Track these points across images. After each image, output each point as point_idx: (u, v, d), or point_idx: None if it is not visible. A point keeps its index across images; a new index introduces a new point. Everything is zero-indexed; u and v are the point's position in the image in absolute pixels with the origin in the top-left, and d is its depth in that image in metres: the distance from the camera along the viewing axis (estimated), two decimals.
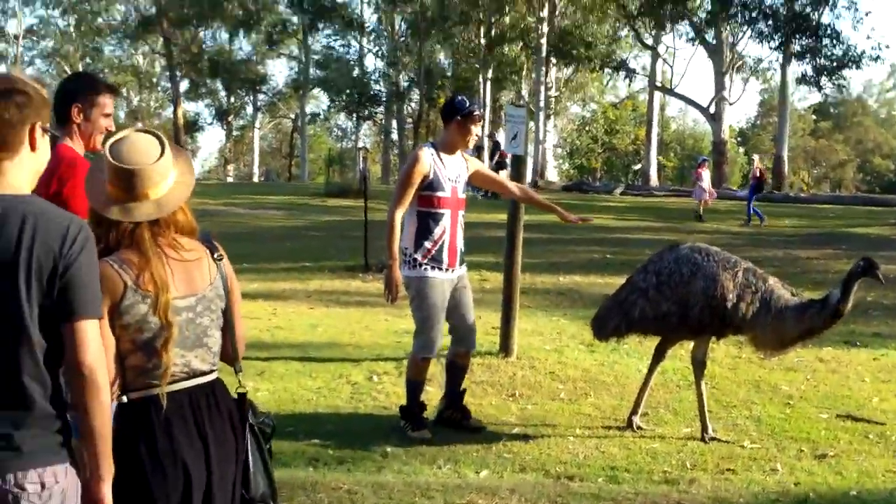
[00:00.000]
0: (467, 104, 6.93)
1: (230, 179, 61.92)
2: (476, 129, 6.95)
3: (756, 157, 29.83)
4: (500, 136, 30.40)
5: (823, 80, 40.10)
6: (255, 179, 59.42)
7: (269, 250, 17.71)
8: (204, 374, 3.21)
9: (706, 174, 26.18)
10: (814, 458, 6.72)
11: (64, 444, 2.78)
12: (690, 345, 7.52)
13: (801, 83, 42.12)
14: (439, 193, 6.83)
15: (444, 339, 7.13)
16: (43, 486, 2.69)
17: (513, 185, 7.64)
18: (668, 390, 8.30)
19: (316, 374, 8.61)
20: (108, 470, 2.83)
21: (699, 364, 7.20)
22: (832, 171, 74.29)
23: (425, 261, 6.83)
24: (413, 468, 6.35)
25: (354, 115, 41.11)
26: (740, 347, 9.22)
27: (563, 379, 8.56)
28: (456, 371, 7.35)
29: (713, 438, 7.06)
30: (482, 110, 7.16)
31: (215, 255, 3.27)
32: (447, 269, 6.90)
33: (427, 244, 6.83)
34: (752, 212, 24.48)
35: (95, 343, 2.73)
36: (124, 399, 3.00)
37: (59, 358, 2.73)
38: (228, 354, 3.35)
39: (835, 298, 6.66)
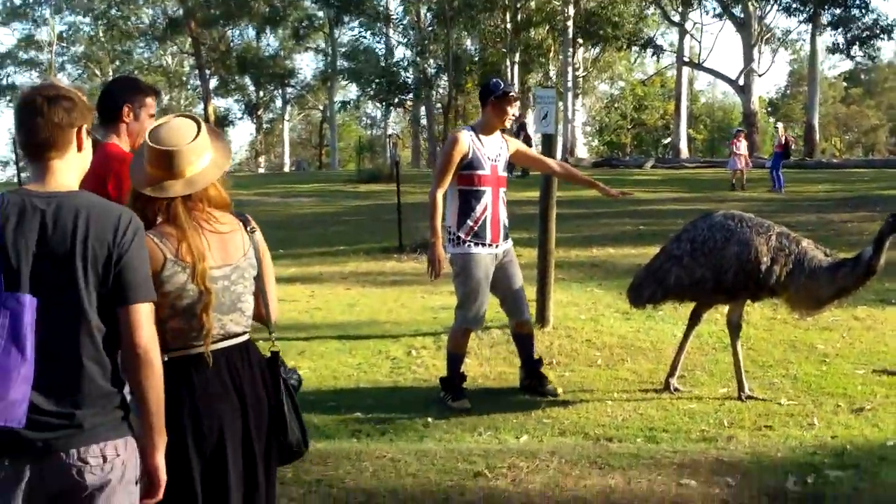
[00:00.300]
0: (501, 85, 7.13)
1: (261, 171, 62.24)
2: (511, 110, 7.14)
3: (780, 125, 29.72)
4: (529, 118, 30.46)
5: (854, 49, 39.74)
6: (286, 169, 59.65)
7: (303, 236, 17.88)
8: (238, 335, 3.44)
9: (742, 145, 26.08)
10: (850, 413, 6.78)
11: (124, 419, 2.97)
12: (725, 308, 7.58)
13: (833, 52, 41.74)
14: (479, 172, 6.99)
15: (486, 312, 7.28)
16: (105, 458, 2.88)
17: (553, 163, 7.74)
18: (704, 353, 8.37)
19: (355, 351, 8.75)
20: (161, 440, 3.03)
21: (735, 326, 7.28)
22: (864, 136, 73.63)
23: (469, 237, 7.00)
24: (454, 436, 6.47)
25: (384, 103, 41.17)
26: (775, 309, 9.26)
27: (600, 346, 8.66)
28: (521, 340, 7.51)
29: (750, 397, 7.14)
30: (516, 91, 7.29)
31: (248, 228, 3.50)
32: (490, 245, 7.05)
33: (469, 221, 6.99)
34: (778, 177, 24.46)
35: (149, 325, 2.93)
36: (165, 358, 3.14)
37: (116, 340, 2.91)
38: (262, 316, 3.62)
39: (867, 255, 6.70)
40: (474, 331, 7.54)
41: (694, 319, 7.49)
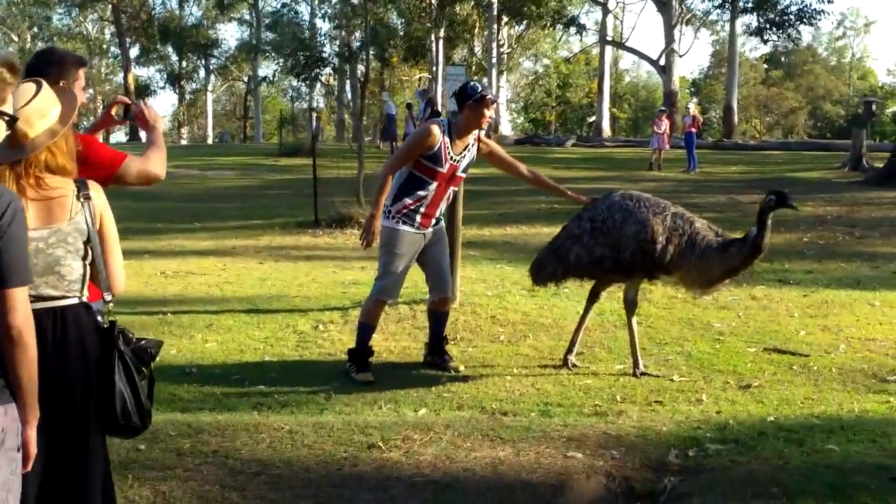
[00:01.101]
0: (479, 89, 7.23)
1: (184, 142, 61.56)
2: (489, 112, 7.25)
3: (691, 105, 30.22)
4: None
5: (769, 33, 40.39)
6: (210, 142, 59.09)
7: (220, 210, 17.87)
8: (53, 298, 3.42)
9: (664, 124, 26.45)
10: (738, 389, 7.04)
11: (5, 387, 3.01)
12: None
13: (749, 35, 42.41)
14: (436, 168, 7.15)
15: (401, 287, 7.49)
16: None
17: (524, 169, 7.80)
18: (605, 330, 8.59)
19: (263, 325, 8.84)
20: (33, 415, 3.10)
21: (630, 304, 7.50)
22: (784, 118, 74.90)
23: (398, 215, 7.16)
24: (354, 409, 6.60)
25: (300, 77, 40.86)
26: (676, 288, 9.51)
27: (504, 322, 8.84)
28: (436, 318, 7.71)
29: (644, 374, 7.38)
30: (493, 94, 7.42)
31: (81, 193, 3.47)
32: (418, 228, 7.21)
33: (407, 200, 7.15)
34: (692, 157, 24.95)
35: (23, 307, 2.97)
36: None
37: None
38: (97, 284, 3.59)
39: (752, 235, 6.94)
40: (388, 303, 7.72)
41: (592, 297, 7.71)
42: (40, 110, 3.38)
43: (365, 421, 6.09)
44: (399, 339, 8.38)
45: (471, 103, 7.17)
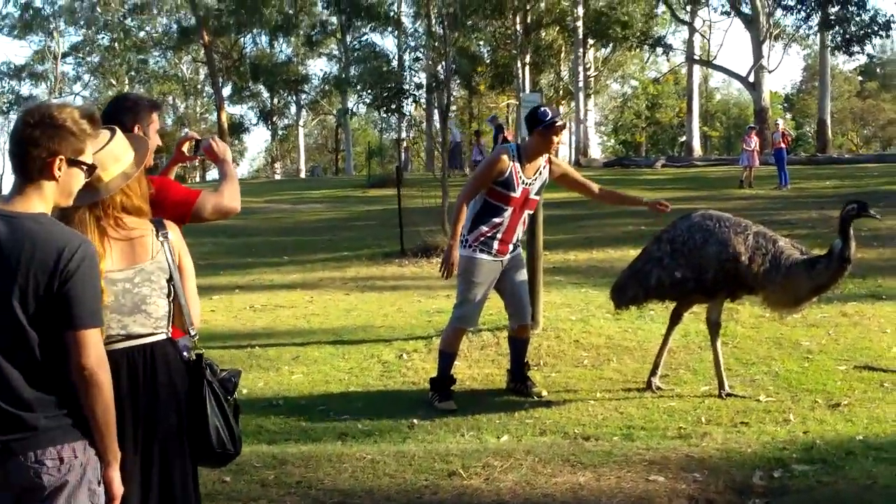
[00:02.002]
0: (549, 115, 7.26)
1: (277, 177, 62.49)
2: (557, 139, 7.30)
3: (781, 121, 29.67)
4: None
5: (854, 47, 39.52)
6: (303, 175, 59.88)
7: (309, 243, 18.08)
8: (142, 336, 3.54)
9: (753, 141, 26.03)
10: (827, 408, 6.91)
11: (77, 425, 3.10)
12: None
13: (833, 51, 41.53)
14: (510, 193, 7.20)
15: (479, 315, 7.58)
16: (62, 460, 3.04)
17: (595, 188, 7.79)
18: (689, 351, 8.50)
19: (348, 356, 8.93)
20: (112, 456, 3.18)
21: (714, 325, 7.42)
22: (881, 130, 73.21)
23: (476, 243, 7.23)
24: (437, 437, 6.64)
25: (381, 109, 41.12)
26: (764, 308, 9.37)
27: (587, 346, 8.81)
28: (516, 344, 7.73)
29: (730, 395, 7.28)
30: (562, 119, 7.47)
31: (160, 233, 3.60)
32: (495, 255, 7.26)
33: (483, 228, 7.22)
34: (784, 174, 24.51)
35: (95, 349, 3.06)
36: None
37: (62, 355, 3.05)
38: (181, 320, 3.70)
39: (838, 247, 6.86)
40: (468, 331, 7.79)
41: (675, 319, 7.65)
42: (114, 154, 3.54)
43: (446, 449, 6.13)
44: (482, 366, 8.40)
45: (540, 129, 7.20)
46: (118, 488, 3.22)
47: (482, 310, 7.51)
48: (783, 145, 25.31)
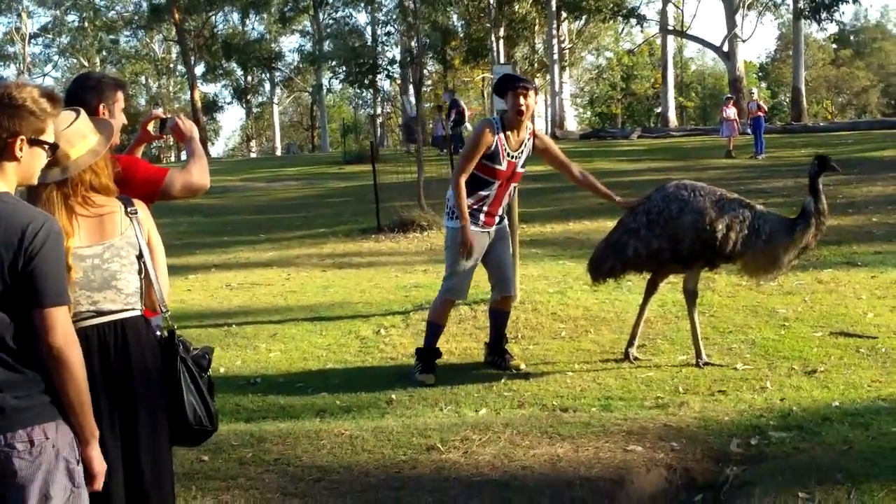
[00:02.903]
0: (511, 78, 7.33)
1: (253, 155, 62.28)
2: (525, 101, 7.22)
3: (755, 90, 29.64)
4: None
5: (822, 14, 39.48)
6: (278, 153, 59.67)
7: (285, 220, 18.04)
8: (113, 312, 3.50)
9: (732, 111, 25.96)
10: (803, 375, 6.95)
11: (52, 403, 3.06)
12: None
13: (803, 18, 41.47)
14: (496, 166, 7.22)
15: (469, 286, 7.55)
16: (32, 443, 2.98)
17: (576, 170, 7.78)
18: (666, 321, 8.52)
19: (326, 333, 8.91)
20: (90, 433, 3.14)
21: (691, 294, 7.42)
22: (855, 97, 73.41)
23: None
24: (415, 412, 6.63)
25: (355, 85, 40.84)
26: (740, 276, 9.39)
27: (565, 318, 8.81)
28: (497, 316, 7.73)
29: (707, 363, 7.30)
30: (527, 83, 7.43)
31: (128, 209, 3.58)
32: (482, 227, 7.28)
33: (469, 200, 7.22)
34: (761, 142, 24.49)
35: (62, 326, 3.01)
36: None
37: (31, 334, 3.01)
38: (151, 297, 3.67)
39: (810, 205, 6.93)
40: (456, 303, 7.79)
41: (651, 289, 7.66)
42: (81, 132, 3.50)
43: (424, 423, 6.11)
44: (460, 339, 8.39)
45: (508, 93, 7.23)
46: (99, 466, 3.18)
47: (471, 282, 7.48)
48: (760, 114, 25.27)
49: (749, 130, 26.11)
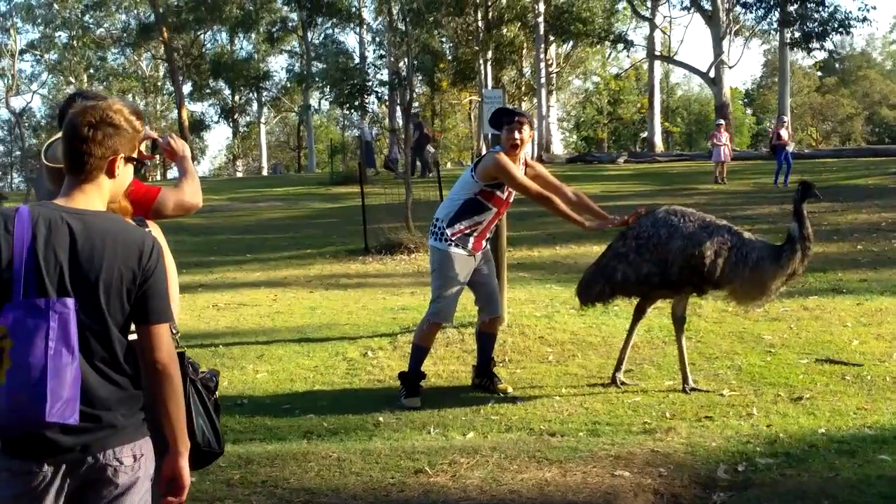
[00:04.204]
0: (505, 115, 7.44)
1: (239, 174, 62.20)
2: (517, 135, 7.30)
3: (785, 118, 28.86)
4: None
5: (813, 43, 39.77)
6: (265, 173, 59.62)
7: (273, 241, 18.01)
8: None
9: (724, 136, 25.79)
10: (790, 402, 6.97)
11: (145, 420, 3.15)
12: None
13: (792, 47, 41.81)
14: (497, 192, 7.32)
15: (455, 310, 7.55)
16: (135, 458, 3.07)
17: (569, 191, 7.78)
18: (653, 346, 8.55)
19: (313, 354, 8.90)
20: (184, 446, 3.20)
21: (679, 320, 7.45)
22: (840, 125, 73.84)
23: (454, 238, 7.28)
24: (402, 435, 6.63)
25: (344, 106, 40.78)
26: (727, 302, 9.42)
27: (552, 342, 8.83)
28: (484, 339, 7.75)
29: (694, 389, 7.33)
30: (525, 115, 7.55)
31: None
32: (470, 252, 7.32)
33: (462, 225, 7.28)
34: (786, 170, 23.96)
35: (167, 342, 3.10)
36: None
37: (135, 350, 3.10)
38: None
39: (795, 231, 6.98)
40: (443, 327, 7.82)
41: (638, 314, 7.68)
42: None
43: (412, 446, 6.12)
44: (448, 362, 8.40)
45: (505, 125, 7.36)
46: (187, 478, 3.24)
47: (457, 305, 7.49)
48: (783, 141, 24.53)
49: (783, 158, 25.13)
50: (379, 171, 33.75)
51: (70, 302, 2.90)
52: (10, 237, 2.90)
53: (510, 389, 7.58)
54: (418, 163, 30.12)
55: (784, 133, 25.07)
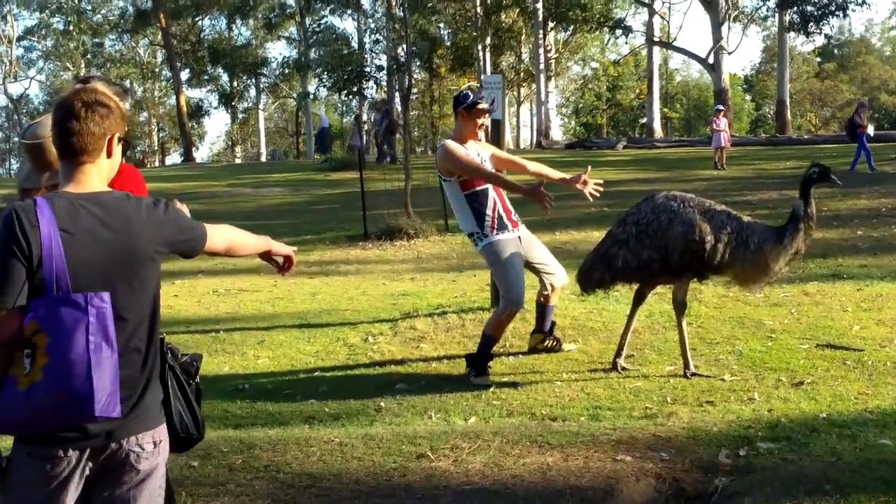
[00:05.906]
0: (470, 97, 7.42)
1: (238, 160, 62.13)
2: (482, 120, 7.41)
3: (864, 102, 27.93)
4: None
5: (811, 26, 39.72)
6: (263, 159, 59.56)
7: (272, 227, 17.96)
8: None
9: (723, 122, 25.66)
10: (791, 387, 6.98)
11: (162, 404, 3.23)
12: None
13: (790, 31, 41.74)
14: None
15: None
16: (155, 444, 3.12)
17: (528, 164, 7.94)
18: (654, 332, 8.55)
19: (314, 339, 8.91)
20: (268, 243, 3.86)
21: (680, 305, 7.45)
22: (839, 111, 73.74)
23: (493, 229, 7.37)
24: (404, 420, 6.64)
25: (341, 92, 40.68)
26: (728, 287, 9.44)
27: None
28: (545, 308, 7.99)
29: (695, 374, 7.33)
30: (487, 103, 7.59)
31: None
32: (511, 230, 7.45)
33: (487, 220, 7.36)
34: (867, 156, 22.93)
35: (221, 229, 3.65)
36: None
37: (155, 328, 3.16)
38: None
39: (800, 208, 6.97)
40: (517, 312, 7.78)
41: (638, 299, 7.68)
42: None
43: (414, 431, 6.12)
44: (449, 348, 8.41)
45: (461, 110, 7.41)
46: (287, 249, 3.94)
47: (524, 285, 7.49)
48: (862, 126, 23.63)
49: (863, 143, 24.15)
50: (331, 158, 34.02)
51: (106, 296, 2.91)
52: (37, 231, 2.88)
53: (573, 346, 8.08)
54: (386, 148, 30.49)
55: (861, 118, 24.02)
